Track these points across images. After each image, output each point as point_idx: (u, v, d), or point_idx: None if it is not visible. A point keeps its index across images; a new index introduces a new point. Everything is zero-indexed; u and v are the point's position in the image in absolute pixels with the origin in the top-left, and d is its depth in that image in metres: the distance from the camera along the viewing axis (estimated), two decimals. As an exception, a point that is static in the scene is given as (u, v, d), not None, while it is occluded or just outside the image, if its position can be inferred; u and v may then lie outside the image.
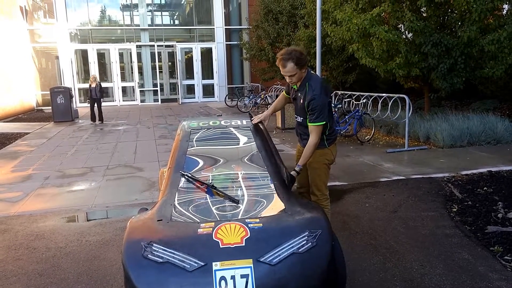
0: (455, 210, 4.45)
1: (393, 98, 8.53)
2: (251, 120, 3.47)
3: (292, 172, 3.16)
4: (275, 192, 2.77)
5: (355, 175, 6.05)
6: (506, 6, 8.73)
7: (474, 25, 7.80)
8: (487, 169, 5.95)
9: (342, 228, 4.06)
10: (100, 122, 13.27)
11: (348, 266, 2.94)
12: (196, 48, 20.76)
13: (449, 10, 8.61)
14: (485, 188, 5.08)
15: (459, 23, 8.29)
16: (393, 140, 8.70)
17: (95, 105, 13.16)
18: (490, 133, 7.92)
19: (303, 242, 2.23)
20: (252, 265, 2.09)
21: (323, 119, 3.11)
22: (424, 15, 8.64)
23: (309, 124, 3.15)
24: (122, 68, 20.40)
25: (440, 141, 7.77)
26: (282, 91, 3.64)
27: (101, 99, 13.37)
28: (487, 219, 4.10)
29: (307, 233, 2.28)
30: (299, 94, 3.21)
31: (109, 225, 4.34)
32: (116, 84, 19.93)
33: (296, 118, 3.37)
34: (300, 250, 2.19)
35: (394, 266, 3.24)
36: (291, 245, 2.21)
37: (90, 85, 13.23)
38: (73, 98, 14.85)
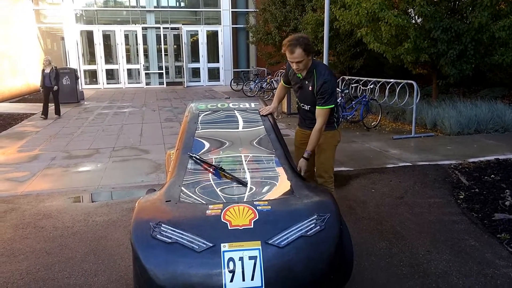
0: (462, 197, 4.43)
1: (401, 84, 8.45)
2: (259, 112, 3.38)
3: (301, 160, 3.11)
4: (283, 175, 2.76)
5: (361, 161, 6.03)
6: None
7: (485, 11, 7.66)
8: (494, 157, 5.91)
9: (349, 213, 4.06)
10: (57, 116, 10.65)
11: (355, 250, 2.94)
12: (202, 31, 20.56)
13: (460, -5, 8.45)
14: (492, 175, 5.05)
15: (470, 9, 8.14)
16: (399, 127, 8.64)
17: (50, 95, 10.48)
18: (498, 120, 7.84)
19: (312, 225, 2.23)
20: (260, 247, 2.09)
21: (332, 102, 3.12)
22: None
23: (318, 108, 3.12)
24: (127, 50, 20.29)
25: (447, 128, 7.71)
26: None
27: (57, 88, 10.49)
28: (494, 206, 4.08)
29: (316, 216, 2.28)
30: (306, 82, 3.17)
31: (115, 206, 4.36)
32: (121, 66, 19.84)
33: (303, 106, 3.32)
34: (308, 233, 2.19)
35: (401, 251, 3.25)
36: (300, 228, 2.21)
37: (43, 70, 10.39)
38: (79, 80, 14.79)
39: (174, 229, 2.18)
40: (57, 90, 10.52)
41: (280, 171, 2.81)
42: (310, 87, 3.15)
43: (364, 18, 8.50)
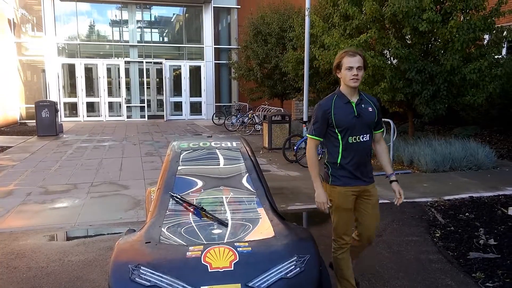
0: (438, 235, 4.52)
1: (378, 122, 8.68)
2: (323, 211, 2.87)
3: (395, 183, 2.91)
4: (264, 215, 2.79)
5: (340, 198, 6.09)
6: (487, 37, 9.08)
7: (456, 54, 8.07)
8: (468, 195, 6.08)
9: (328, 251, 4.05)
10: None
11: (334, 291, 2.95)
12: (185, 66, 20.87)
13: (433, 39, 8.89)
14: (466, 213, 5.18)
15: (442, 52, 8.56)
16: (377, 164, 8.79)
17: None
18: (471, 158, 8.11)
19: (292, 267, 2.25)
20: (240, 290, 2.09)
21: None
22: (409, 42, 8.90)
23: (378, 132, 2.96)
24: (109, 83, 20.35)
25: (423, 166, 7.92)
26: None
27: None
28: (469, 245, 4.17)
29: (296, 257, 2.31)
30: (363, 105, 2.80)
31: (92, 245, 4.27)
32: (102, 99, 19.82)
33: (361, 138, 2.78)
34: (288, 275, 2.21)
35: (379, 291, 3.27)
36: (280, 270, 2.22)
37: None
38: (58, 113, 14.68)
39: (153, 271, 2.17)
40: None
41: (261, 211, 2.85)
42: (370, 108, 2.83)
43: (342, 59, 8.80)
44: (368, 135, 2.82)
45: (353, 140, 2.77)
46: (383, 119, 3.27)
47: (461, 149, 8.24)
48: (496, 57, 8.53)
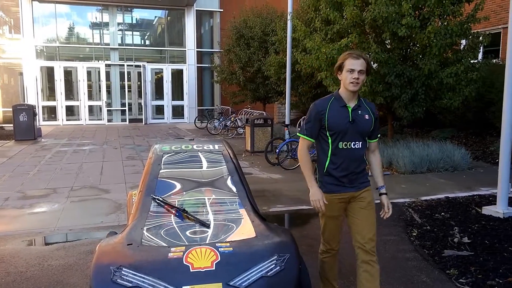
0: (415, 234, 4.64)
1: (359, 125, 8.85)
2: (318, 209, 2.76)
3: (384, 196, 2.84)
4: (245, 216, 2.84)
5: (321, 200, 6.19)
6: (464, 42, 9.36)
7: (434, 59, 8.29)
8: (444, 195, 6.25)
9: (309, 251, 4.14)
10: None
11: (314, 289, 3.01)
12: (167, 69, 20.79)
13: (412, 44, 9.12)
14: (442, 213, 5.34)
15: (421, 56, 8.79)
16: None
17: None
18: (448, 160, 8.33)
19: (272, 266, 2.30)
20: (221, 289, 2.13)
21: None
22: (388, 47, 9.11)
23: (373, 141, 2.85)
24: (89, 87, 20.09)
25: (402, 167, 8.10)
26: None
27: None
28: (444, 243, 4.31)
29: (276, 257, 2.36)
30: (360, 111, 2.70)
31: (72, 249, 4.23)
32: (82, 102, 19.57)
33: (354, 145, 2.70)
34: (268, 274, 2.25)
35: (358, 290, 3.34)
36: (260, 269, 2.27)
37: None
38: (37, 116, 14.43)
39: (135, 273, 2.19)
40: None
41: (243, 212, 2.89)
42: (367, 115, 2.72)
43: (324, 63, 8.96)
44: (360, 143, 2.71)
45: (343, 146, 2.68)
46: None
47: (438, 151, 8.46)
48: (472, 61, 8.80)
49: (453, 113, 11.20)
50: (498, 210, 5.23)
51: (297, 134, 2.89)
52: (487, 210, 5.35)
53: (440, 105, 8.91)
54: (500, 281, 3.46)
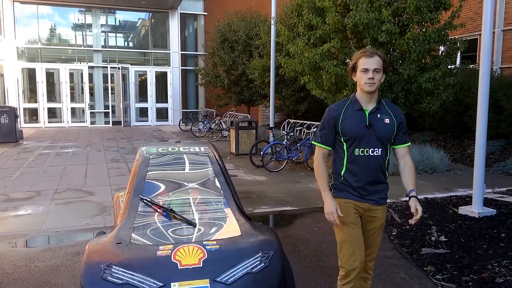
0: (394, 233, 4.82)
1: (341, 128, 9.04)
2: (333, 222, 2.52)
3: (413, 199, 2.48)
4: (231, 215, 2.94)
5: (305, 201, 6.34)
6: (442, 48, 9.66)
7: (413, 64, 8.54)
8: (423, 196, 6.46)
9: (293, 251, 4.27)
10: None
11: (298, 285, 3.13)
12: (151, 71, 20.74)
13: (392, 49, 9.36)
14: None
15: (400, 62, 9.03)
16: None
17: None
18: (427, 162, 8.58)
19: (257, 263, 2.41)
20: (209, 285, 2.23)
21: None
22: (369, 52, 9.32)
23: (400, 147, 2.57)
24: (72, 89, 19.90)
25: (383, 169, 8.30)
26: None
27: None
28: (422, 242, 4.49)
29: (260, 254, 2.46)
30: (378, 115, 2.49)
31: (59, 251, 4.26)
32: (65, 104, 19.37)
33: (372, 152, 2.47)
34: (253, 270, 2.36)
35: (340, 286, 3.48)
36: (246, 266, 2.37)
37: None
38: (18, 118, 14.24)
39: (125, 270, 2.26)
40: None
41: (228, 212, 2.99)
42: (387, 119, 2.49)
43: (307, 67, 9.12)
44: (381, 150, 2.47)
45: (360, 153, 2.46)
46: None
47: (418, 154, 8.70)
48: (449, 67, 9.09)
49: (432, 116, 11.52)
50: (473, 210, 5.46)
51: (312, 142, 2.64)
52: (463, 210, 5.58)
53: (419, 109, 9.17)
54: (474, 277, 3.64)
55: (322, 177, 2.57)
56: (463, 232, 4.74)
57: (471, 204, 5.61)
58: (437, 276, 3.67)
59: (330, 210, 2.49)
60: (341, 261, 2.59)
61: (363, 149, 2.46)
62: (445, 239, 4.52)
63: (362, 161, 2.47)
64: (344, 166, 2.53)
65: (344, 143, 2.51)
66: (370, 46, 9.13)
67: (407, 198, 2.52)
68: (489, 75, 5.60)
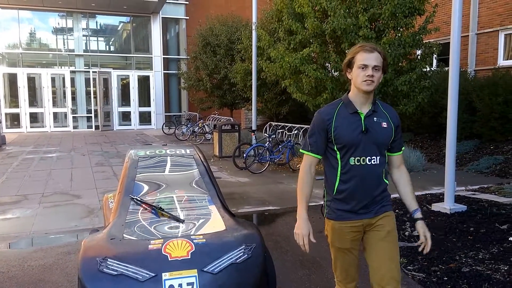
0: (371, 229, 5.10)
1: (322, 130, 9.35)
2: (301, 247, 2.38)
3: (420, 223, 2.36)
4: (216, 212, 3.17)
5: (287, 200, 6.59)
6: (418, 52, 10.07)
7: (389, 68, 8.91)
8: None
9: (275, 247, 4.51)
10: None
11: (279, 278, 3.37)
12: (133, 75, 20.77)
13: (369, 53, 9.71)
14: (397, 210, 5.85)
15: (377, 65, 9.38)
16: (322, 169, 9.43)
17: None
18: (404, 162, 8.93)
19: (240, 254, 2.64)
20: (196, 275, 2.45)
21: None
22: (348, 56, 9.66)
23: (395, 155, 2.33)
24: (54, 93, 19.77)
25: (362, 169, 8.62)
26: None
27: None
28: (397, 236, 4.78)
29: (244, 246, 2.70)
30: (375, 118, 2.20)
31: (50, 250, 4.40)
32: (47, 109, 19.24)
33: (359, 160, 2.18)
34: (237, 261, 2.59)
35: (318, 278, 3.74)
36: (230, 257, 2.61)
37: None
38: (1, 124, 14.15)
39: (119, 262, 2.47)
40: None
41: (213, 209, 3.22)
42: (385, 123, 2.22)
43: (287, 71, 9.41)
44: (378, 158, 2.19)
45: (356, 162, 2.16)
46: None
47: (395, 154, 9.05)
48: (424, 70, 9.49)
49: (410, 118, 11.92)
50: (445, 206, 5.80)
51: (300, 150, 2.39)
52: (436, 206, 5.91)
53: (396, 111, 9.52)
54: (442, 267, 3.95)
55: (304, 190, 2.30)
56: (435, 227, 5.06)
57: (443, 201, 5.95)
58: (409, 267, 3.96)
59: (301, 232, 2.27)
60: (337, 279, 2.45)
61: (359, 158, 2.16)
62: (418, 234, 4.83)
63: (358, 171, 2.17)
64: (338, 178, 2.23)
65: (338, 152, 2.20)
66: (348, 51, 9.47)
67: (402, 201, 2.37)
68: (458, 77, 5.99)
